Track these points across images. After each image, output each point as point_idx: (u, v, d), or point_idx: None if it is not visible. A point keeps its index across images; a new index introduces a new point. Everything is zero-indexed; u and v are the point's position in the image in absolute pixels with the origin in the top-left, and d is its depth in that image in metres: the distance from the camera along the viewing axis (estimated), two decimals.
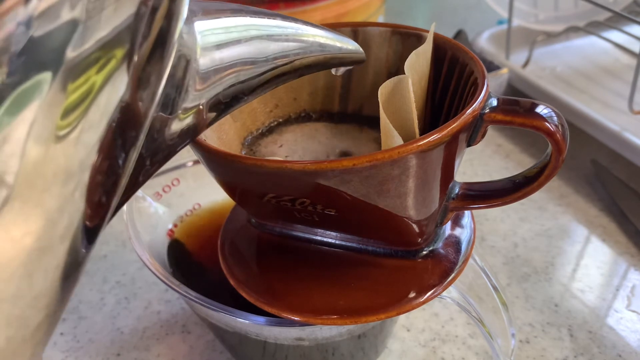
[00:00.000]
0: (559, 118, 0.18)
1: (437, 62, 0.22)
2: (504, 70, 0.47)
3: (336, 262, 0.22)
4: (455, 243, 0.22)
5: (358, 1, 0.45)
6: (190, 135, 0.16)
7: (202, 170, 0.25)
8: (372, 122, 0.24)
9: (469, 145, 0.19)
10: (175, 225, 0.29)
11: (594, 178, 0.41)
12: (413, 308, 0.21)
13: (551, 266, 0.34)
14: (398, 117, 0.19)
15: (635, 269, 0.34)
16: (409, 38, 0.22)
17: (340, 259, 0.22)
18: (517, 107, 0.18)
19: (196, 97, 0.16)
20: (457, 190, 0.21)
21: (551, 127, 0.17)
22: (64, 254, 0.12)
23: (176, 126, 0.16)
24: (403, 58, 0.20)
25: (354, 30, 0.23)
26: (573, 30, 0.49)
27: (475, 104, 0.18)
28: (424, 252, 0.22)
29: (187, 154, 0.45)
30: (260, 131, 0.24)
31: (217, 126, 0.22)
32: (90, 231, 0.13)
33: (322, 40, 0.18)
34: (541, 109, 0.18)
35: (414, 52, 0.20)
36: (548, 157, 0.19)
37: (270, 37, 0.17)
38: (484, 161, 0.44)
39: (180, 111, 0.15)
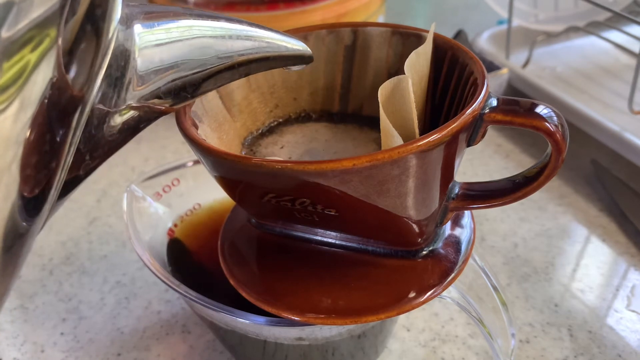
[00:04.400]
0: (558, 118, 0.18)
1: (437, 62, 0.22)
2: (504, 70, 0.47)
3: (336, 262, 0.22)
4: (455, 243, 0.22)
5: (358, 1, 0.45)
6: (130, 132, 0.17)
7: (202, 170, 0.25)
8: (372, 122, 0.24)
9: (469, 145, 0.19)
10: (175, 225, 0.29)
11: (594, 178, 0.41)
12: (413, 308, 0.21)
13: (551, 266, 0.34)
14: (398, 117, 0.19)
15: (635, 269, 0.34)
16: (409, 38, 0.22)
17: (340, 259, 0.22)
18: (517, 107, 0.18)
19: (135, 95, 0.16)
20: (457, 190, 0.21)
21: (551, 127, 0.17)
22: (3, 224, 0.13)
23: (115, 122, 0.16)
24: (403, 58, 0.20)
25: (354, 30, 0.23)
26: (573, 30, 0.49)
27: (475, 104, 0.18)
28: (424, 252, 0.22)
29: (187, 154, 0.45)
30: (260, 131, 0.24)
31: (217, 126, 0.22)
32: (29, 203, 0.13)
33: (268, 41, 0.19)
34: (541, 109, 0.18)
35: (414, 52, 0.20)
36: (548, 157, 0.19)
37: (212, 38, 0.18)
38: (484, 161, 0.44)
39: (119, 108, 0.16)
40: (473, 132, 0.19)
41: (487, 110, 0.18)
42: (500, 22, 0.56)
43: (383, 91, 0.19)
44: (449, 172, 0.19)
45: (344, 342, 0.25)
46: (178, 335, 0.31)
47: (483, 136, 0.19)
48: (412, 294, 0.21)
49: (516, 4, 0.50)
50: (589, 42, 0.52)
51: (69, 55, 0.13)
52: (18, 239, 0.14)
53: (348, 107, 0.24)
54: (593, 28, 0.50)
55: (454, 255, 0.22)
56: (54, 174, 0.14)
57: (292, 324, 0.22)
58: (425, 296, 0.21)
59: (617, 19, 0.48)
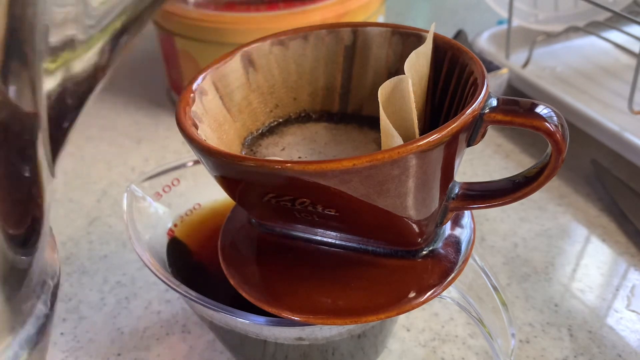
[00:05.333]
0: (558, 118, 0.18)
1: (437, 62, 0.22)
2: (504, 70, 0.47)
3: (336, 262, 0.22)
4: (455, 243, 0.22)
5: (358, 1, 0.45)
6: (89, 84, 0.15)
7: (202, 170, 0.25)
8: (372, 123, 0.24)
9: (469, 145, 0.19)
10: (175, 225, 0.29)
11: (594, 178, 0.41)
12: (413, 308, 0.21)
13: (551, 266, 0.34)
14: (398, 117, 0.19)
15: (635, 269, 0.34)
16: (409, 38, 0.22)
17: (341, 259, 0.22)
18: (517, 107, 0.18)
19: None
20: (457, 190, 0.21)
21: (551, 127, 0.17)
22: None
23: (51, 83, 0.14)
24: (403, 58, 0.20)
25: (354, 31, 0.23)
26: (573, 30, 0.49)
27: (475, 104, 0.18)
28: (424, 252, 0.22)
29: (187, 154, 0.45)
30: (260, 131, 0.24)
31: (217, 126, 0.22)
32: (19, 238, 0.12)
33: None
34: (541, 109, 0.18)
35: (414, 52, 0.20)
36: (548, 157, 0.19)
37: None
38: (484, 161, 0.44)
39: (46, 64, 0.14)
40: (473, 132, 0.19)
41: (487, 110, 0.18)
42: (500, 22, 0.56)
43: (383, 91, 0.19)
44: (449, 172, 0.19)
45: (344, 342, 0.25)
46: (178, 335, 0.31)
47: (483, 136, 0.19)
48: (412, 294, 0.21)
49: (516, 4, 0.50)
50: (589, 42, 0.52)
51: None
52: (21, 275, 0.13)
53: (348, 107, 0.24)
54: (593, 28, 0.50)
55: (454, 255, 0.22)
56: (39, 206, 0.13)
57: (292, 324, 0.22)
58: (425, 296, 0.21)
59: (617, 19, 0.48)
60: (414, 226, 0.20)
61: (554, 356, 0.29)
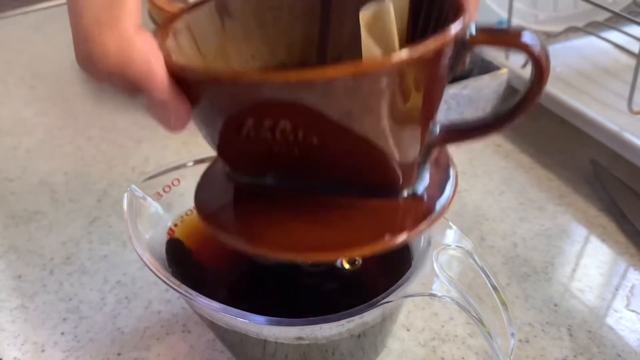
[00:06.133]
0: (541, 42, 0.18)
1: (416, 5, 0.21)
2: (504, 71, 0.47)
3: (317, 204, 0.21)
4: (439, 185, 0.22)
5: None
6: None
7: (202, 170, 0.25)
8: None
9: (453, 74, 0.19)
10: (175, 225, 0.29)
11: (594, 178, 0.41)
12: (401, 244, 0.20)
13: (551, 266, 0.35)
14: (380, 45, 0.19)
15: (634, 268, 0.34)
16: None
17: (322, 202, 0.21)
18: (501, 30, 0.18)
19: None
20: (438, 129, 0.21)
21: (535, 47, 0.18)
22: None
23: None
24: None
25: None
26: (572, 31, 0.49)
27: (457, 23, 0.17)
28: (406, 193, 0.21)
29: (187, 154, 0.45)
30: None
31: None
32: None
33: None
34: (524, 32, 0.18)
35: None
36: (531, 84, 0.19)
37: None
38: (484, 161, 0.44)
39: None
40: (457, 57, 0.19)
41: (472, 31, 0.18)
42: (500, 22, 0.56)
43: (364, 15, 0.18)
44: (432, 101, 0.19)
45: (343, 342, 0.25)
46: (178, 334, 0.31)
47: (465, 65, 0.19)
48: (397, 231, 0.20)
49: (516, 4, 0.50)
50: (589, 43, 0.52)
51: None
52: None
53: (327, 58, 0.24)
54: (592, 28, 0.50)
55: (437, 196, 0.22)
56: None
57: (292, 323, 0.22)
58: (408, 234, 0.20)
59: (616, 19, 0.48)
60: (396, 164, 0.20)
61: (553, 356, 0.29)
